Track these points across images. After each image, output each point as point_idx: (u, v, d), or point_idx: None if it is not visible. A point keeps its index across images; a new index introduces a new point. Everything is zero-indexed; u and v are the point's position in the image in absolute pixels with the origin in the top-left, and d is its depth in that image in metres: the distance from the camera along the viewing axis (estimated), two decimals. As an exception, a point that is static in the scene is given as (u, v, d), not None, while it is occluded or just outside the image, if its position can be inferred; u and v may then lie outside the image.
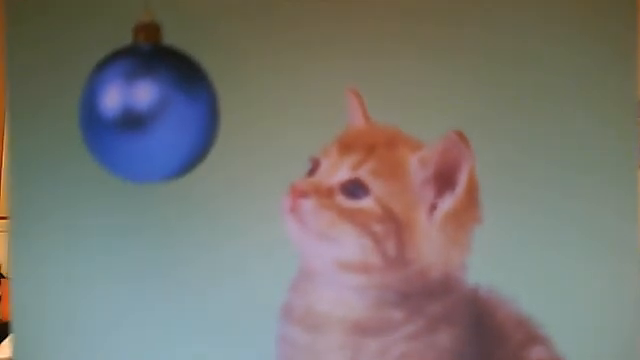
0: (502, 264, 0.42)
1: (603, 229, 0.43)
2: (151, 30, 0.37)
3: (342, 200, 0.41)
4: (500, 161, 0.42)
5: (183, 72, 0.37)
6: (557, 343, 0.42)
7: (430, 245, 0.41)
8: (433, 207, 0.41)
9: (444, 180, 0.42)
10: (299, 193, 0.40)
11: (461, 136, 0.41)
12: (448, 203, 0.41)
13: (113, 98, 0.37)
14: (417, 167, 0.41)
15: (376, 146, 0.42)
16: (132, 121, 0.37)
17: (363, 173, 0.41)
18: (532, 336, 0.42)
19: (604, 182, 0.43)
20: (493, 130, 0.42)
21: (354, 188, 0.41)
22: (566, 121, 0.43)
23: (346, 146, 0.42)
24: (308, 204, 0.41)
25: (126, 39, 0.37)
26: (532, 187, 0.43)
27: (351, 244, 0.41)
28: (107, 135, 0.37)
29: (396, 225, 0.41)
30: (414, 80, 0.42)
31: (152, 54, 0.37)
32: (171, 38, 0.37)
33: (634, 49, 0.42)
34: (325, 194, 0.41)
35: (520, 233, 0.43)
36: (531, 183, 0.43)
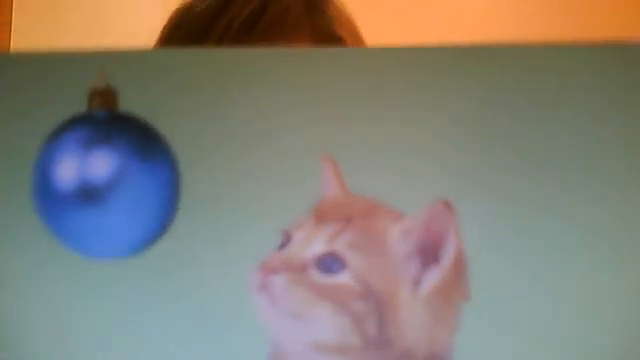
0: (492, 344, 0.40)
1: (605, 300, 0.41)
2: (107, 96, 0.36)
3: (317, 275, 0.39)
4: (489, 232, 0.40)
5: (142, 140, 0.36)
6: None
7: (414, 323, 0.39)
8: (417, 282, 0.39)
9: (429, 253, 0.40)
10: (269, 269, 0.39)
11: (447, 205, 0.39)
12: (434, 278, 0.39)
13: (67, 169, 0.36)
14: (399, 239, 0.40)
15: (353, 217, 0.40)
16: (88, 193, 0.36)
17: (339, 246, 0.39)
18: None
19: (612, 246, 0.41)
20: (481, 198, 0.41)
21: (330, 262, 0.39)
22: (562, 184, 0.41)
23: (321, 217, 0.40)
24: (279, 281, 0.39)
25: (81, 105, 0.36)
26: (526, 260, 0.41)
27: (327, 323, 0.39)
28: (61, 207, 0.36)
29: (376, 302, 0.39)
30: (394, 146, 0.40)
31: (108, 121, 0.36)
32: (128, 104, 0.36)
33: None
34: (298, 269, 0.39)
35: (512, 310, 0.40)
36: (524, 256, 0.41)
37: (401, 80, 0.41)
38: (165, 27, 0.64)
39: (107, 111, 0.36)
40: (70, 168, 0.36)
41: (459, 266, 0.40)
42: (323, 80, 0.40)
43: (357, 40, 0.66)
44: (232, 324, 0.39)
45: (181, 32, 0.62)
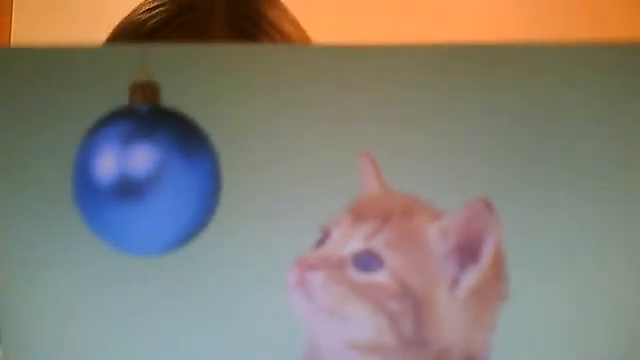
0: (530, 344, 0.40)
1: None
2: (148, 90, 0.36)
3: (354, 273, 0.39)
4: (529, 231, 0.40)
5: (183, 135, 0.36)
6: None
7: (451, 324, 0.39)
8: (455, 282, 0.39)
9: (467, 252, 0.39)
10: (307, 266, 0.38)
11: (486, 203, 0.39)
12: (472, 278, 0.39)
13: (108, 164, 0.36)
14: (437, 238, 0.39)
15: (391, 215, 0.40)
16: (128, 188, 0.36)
17: (377, 244, 0.39)
18: None
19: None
20: (521, 196, 0.40)
21: (367, 260, 0.39)
22: (600, 182, 0.41)
23: (359, 214, 0.40)
24: (316, 278, 0.39)
25: (122, 99, 0.36)
26: (564, 259, 0.40)
27: (364, 322, 0.38)
28: (101, 203, 0.36)
29: (414, 302, 0.39)
30: (432, 143, 0.40)
31: (150, 116, 0.36)
32: (171, 99, 0.36)
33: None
34: (335, 267, 0.39)
35: (550, 310, 0.40)
36: (562, 255, 0.40)
37: (440, 79, 0.41)
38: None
39: (149, 105, 0.36)
40: (111, 162, 0.36)
41: (498, 265, 0.39)
42: (363, 77, 0.40)
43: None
44: (269, 320, 0.39)
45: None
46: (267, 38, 0.62)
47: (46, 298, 0.39)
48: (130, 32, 0.61)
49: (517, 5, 1.88)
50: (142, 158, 0.36)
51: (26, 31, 1.92)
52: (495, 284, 0.39)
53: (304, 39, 0.66)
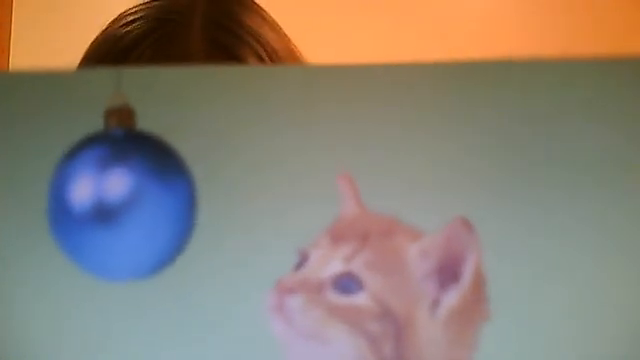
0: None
1: (626, 322, 0.40)
2: (123, 114, 0.36)
3: (333, 296, 0.39)
4: (509, 250, 0.40)
5: (159, 159, 0.36)
6: None
7: (433, 345, 0.39)
8: (436, 303, 0.39)
9: (448, 273, 0.39)
10: (285, 289, 0.38)
11: (466, 224, 0.39)
12: (452, 298, 0.39)
13: (83, 189, 0.36)
14: (417, 259, 0.39)
15: (370, 236, 0.40)
16: (104, 214, 0.36)
17: (356, 266, 0.39)
18: None
19: (628, 266, 0.40)
20: (502, 216, 0.40)
21: (347, 283, 0.39)
22: (582, 201, 0.41)
23: (338, 236, 0.40)
24: (295, 301, 0.38)
25: (98, 124, 0.36)
26: (546, 279, 0.40)
27: (344, 345, 0.38)
28: (76, 229, 0.36)
29: (394, 323, 0.39)
30: (411, 164, 0.40)
31: (125, 140, 0.36)
32: (146, 123, 0.36)
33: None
34: (314, 290, 0.39)
35: (532, 330, 0.40)
36: (545, 274, 0.40)
37: (417, 98, 0.41)
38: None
39: (124, 129, 0.36)
40: (86, 188, 0.36)
41: (478, 286, 0.39)
42: (340, 98, 0.40)
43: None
44: (249, 345, 0.39)
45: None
46: (248, 48, 0.62)
47: (20, 322, 0.39)
48: (108, 49, 0.61)
49: (510, 19, 1.89)
50: (118, 183, 0.35)
51: (26, 31, 1.92)
52: (476, 304, 0.39)
53: (287, 46, 0.65)
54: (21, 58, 1.89)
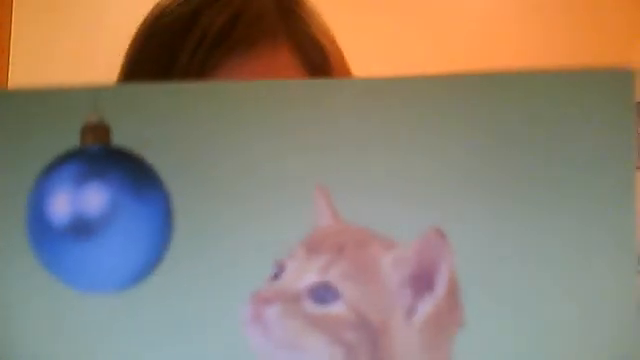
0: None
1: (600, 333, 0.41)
2: (100, 131, 0.37)
3: (310, 306, 0.39)
4: (482, 259, 0.41)
5: (134, 174, 0.37)
6: None
7: (409, 352, 0.40)
8: (411, 311, 0.40)
9: (422, 281, 0.40)
10: (262, 300, 0.39)
11: (439, 233, 0.39)
12: (427, 306, 0.40)
13: (61, 203, 0.36)
14: (391, 268, 0.40)
15: (346, 247, 0.40)
16: (81, 228, 0.36)
17: (332, 276, 0.40)
18: None
19: (601, 283, 0.41)
20: (473, 225, 0.41)
21: (323, 292, 0.39)
22: (556, 211, 0.41)
23: (313, 247, 0.40)
24: (272, 312, 0.39)
25: (74, 141, 0.37)
26: (518, 286, 0.41)
27: (321, 354, 0.39)
28: (55, 242, 0.37)
29: (370, 331, 0.39)
30: (386, 175, 0.41)
31: (102, 156, 0.37)
32: (121, 139, 0.37)
33: (629, 138, 0.41)
34: (291, 300, 0.39)
35: (506, 335, 0.41)
36: (517, 282, 0.41)
37: (390, 110, 0.41)
38: (137, 35, 0.64)
39: (100, 146, 0.37)
40: (64, 203, 0.36)
41: (452, 293, 0.40)
42: (313, 111, 0.41)
43: (333, 44, 0.66)
44: (226, 355, 0.39)
45: (153, 42, 0.62)
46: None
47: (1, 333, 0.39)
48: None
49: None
50: (95, 197, 0.36)
51: (26, 31, 1.92)
52: (451, 312, 0.40)
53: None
54: (21, 58, 1.89)
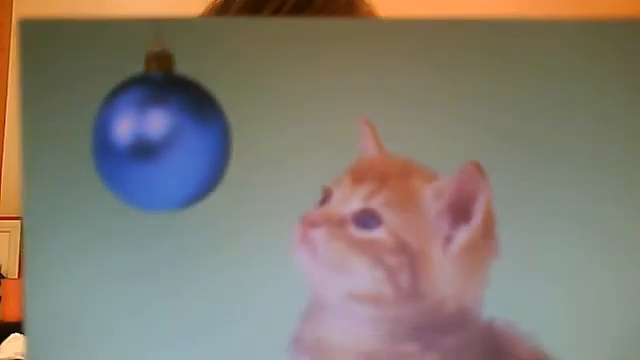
0: (519, 299, 0.43)
1: (628, 269, 0.43)
2: (163, 59, 0.39)
3: (354, 231, 0.42)
4: (518, 192, 0.43)
5: (195, 101, 0.39)
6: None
7: (445, 278, 0.42)
8: (448, 239, 0.42)
9: (460, 212, 0.42)
10: (310, 223, 0.41)
11: (477, 167, 0.41)
12: (464, 235, 0.42)
13: (125, 127, 0.39)
14: (432, 198, 0.42)
15: (389, 177, 0.42)
16: (144, 149, 0.39)
17: (376, 204, 0.42)
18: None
19: (628, 211, 0.43)
20: (511, 161, 0.43)
21: (367, 219, 0.42)
22: (589, 153, 0.43)
23: (359, 176, 0.43)
24: (319, 235, 0.42)
25: (138, 68, 0.39)
26: (551, 219, 0.43)
27: (363, 276, 0.42)
28: (118, 163, 0.39)
29: (410, 257, 0.42)
30: (429, 110, 0.43)
31: (164, 83, 0.39)
32: (184, 67, 0.39)
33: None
34: (337, 224, 0.42)
35: (538, 266, 0.43)
36: (550, 216, 0.43)
37: (437, 51, 0.43)
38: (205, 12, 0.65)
39: (163, 73, 0.39)
40: (127, 126, 0.39)
41: (488, 224, 0.42)
42: (365, 50, 0.43)
43: None
44: (275, 274, 0.42)
45: (235, 5, 0.64)
46: None
47: (65, 252, 0.42)
48: None
49: None
50: (157, 122, 0.38)
51: None
52: (486, 242, 0.42)
53: None
54: None
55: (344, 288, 0.42)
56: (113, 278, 0.41)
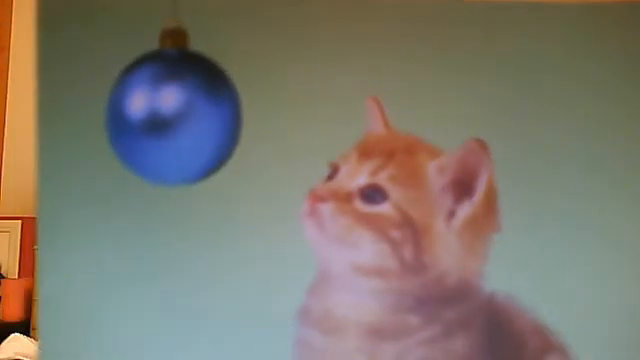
0: (520, 272, 0.44)
1: (625, 238, 0.44)
2: (177, 36, 0.40)
3: (360, 205, 0.43)
4: (519, 169, 0.44)
5: (208, 78, 0.40)
6: (574, 352, 0.43)
7: (447, 252, 0.43)
8: (451, 214, 0.43)
9: (462, 187, 0.43)
10: (318, 197, 0.43)
11: (480, 144, 0.43)
12: (466, 210, 0.43)
13: (139, 102, 0.40)
14: (436, 174, 0.43)
15: (395, 152, 0.44)
16: (157, 125, 0.40)
17: (382, 179, 0.43)
18: (549, 344, 0.44)
19: (626, 189, 0.44)
20: (513, 138, 0.44)
21: (372, 193, 0.43)
22: (586, 128, 0.44)
23: (365, 152, 0.44)
24: (326, 208, 0.43)
25: (153, 44, 0.40)
26: (551, 195, 0.44)
27: (368, 249, 0.43)
28: (132, 138, 0.40)
29: (414, 231, 0.43)
30: (434, 88, 0.44)
31: (178, 59, 0.40)
32: (197, 44, 0.40)
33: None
34: (344, 199, 0.43)
35: (538, 241, 0.44)
36: (550, 191, 0.44)
37: (441, 32, 0.44)
38: None
39: (177, 49, 0.40)
40: (141, 101, 0.39)
41: (490, 200, 0.43)
42: (374, 25, 0.44)
43: None
44: (283, 246, 0.43)
45: None
46: None
47: (82, 225, 0.43)
48: None
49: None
50: (170, 97, 0.39)
51: (26, 31, 1.90)
52: (488, 217, 0.44)
53: None
54: (21, 57, 1.88)
55: (349, 261, 0.43)
56: (127, 246, 0.42)
